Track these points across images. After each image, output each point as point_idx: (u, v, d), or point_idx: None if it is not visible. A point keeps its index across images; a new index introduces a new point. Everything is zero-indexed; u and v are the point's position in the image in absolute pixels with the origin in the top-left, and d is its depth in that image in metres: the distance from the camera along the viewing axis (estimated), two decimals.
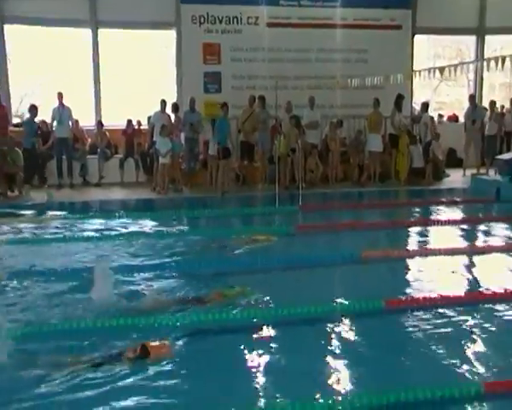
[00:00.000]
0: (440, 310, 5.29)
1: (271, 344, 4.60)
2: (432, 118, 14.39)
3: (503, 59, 10.21)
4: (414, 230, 9.13)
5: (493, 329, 4.95)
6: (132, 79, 14.98)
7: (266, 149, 13.04)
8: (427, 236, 8.74)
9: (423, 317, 5.16)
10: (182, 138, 13.24)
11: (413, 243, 8.46)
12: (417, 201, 11.65)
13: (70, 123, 13.20)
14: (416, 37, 16.00)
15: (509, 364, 4.30)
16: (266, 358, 4.36)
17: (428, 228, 9.13)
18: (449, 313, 5.24)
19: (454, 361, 4.29)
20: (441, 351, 4.47)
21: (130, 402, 3.68)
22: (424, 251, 7.63)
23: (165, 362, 4.22)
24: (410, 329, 4.96)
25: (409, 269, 6.97)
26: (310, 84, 14.44)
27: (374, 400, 3.67)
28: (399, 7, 15.50)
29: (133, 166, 13.58)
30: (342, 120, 14.03)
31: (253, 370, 4.18)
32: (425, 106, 14.00)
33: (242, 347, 4.53)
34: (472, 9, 16.11)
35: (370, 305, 5.31)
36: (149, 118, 13.34)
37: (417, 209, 10.83)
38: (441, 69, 10.72)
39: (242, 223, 10.06)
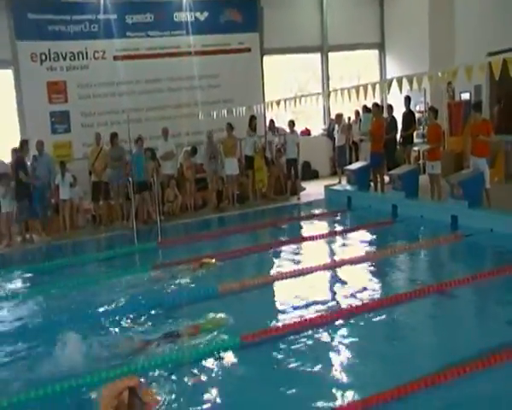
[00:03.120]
0: (299, 335, 5.36)
1: None
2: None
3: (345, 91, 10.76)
4: (274, 252, 9.05)
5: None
6: None
7: (121, 186, 12.65)
8: (285, 257, 8.69)
9: (281, 347, 5.21)
10: None
11: (272, 267, 8.29)
12: (277, 219, 11.72)
13: None
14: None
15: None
16: None
17: (287, 248, 9.17)
18: (303, 338, 5.32)
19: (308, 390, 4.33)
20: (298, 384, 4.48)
21: None
22: (281, 275, 7.56)
23: None
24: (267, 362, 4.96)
25: (268, 296, 6.95)
26: (163, 115, 14.33)
27: None
28: (247, 31, 15.88)
29: None
30: (196, 147, 14.00)
31: None
32: (292, 124, 14.12)
33: None
34: (315, 29, 16.91)
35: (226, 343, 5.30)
36: None
37: (277, 228, 10.92)
38: (292, 99, 11.19)
39: (101, 267, 9.51)
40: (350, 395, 4.20)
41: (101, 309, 6.75)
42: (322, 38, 16.99)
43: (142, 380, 4.56)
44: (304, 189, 14.18)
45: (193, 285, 7.46)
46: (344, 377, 4.55)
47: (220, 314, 6.12)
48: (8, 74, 14.00)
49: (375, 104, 12.79)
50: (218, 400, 4.40)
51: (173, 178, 13.10)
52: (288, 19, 16.18)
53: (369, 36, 17.30)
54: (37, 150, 12.42)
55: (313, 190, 13.99)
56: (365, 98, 10.73)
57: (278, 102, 11.48)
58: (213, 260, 8.39)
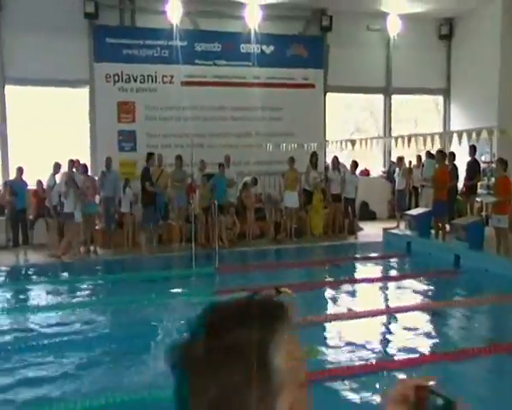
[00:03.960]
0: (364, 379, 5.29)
1: None
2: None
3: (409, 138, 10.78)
4: (332, 290, 9.09)
5: None
6: (43, 137, 14.41)
7: (183, 208, 12.88)
8: (345, 297, 8.70)
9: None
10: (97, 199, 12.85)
11: (333, 306, 8.34)
12: (335, 258, 11.70)
13: None
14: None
15: None
16: None
17: (345, 288, 9.13)
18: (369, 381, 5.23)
19: None
20: None
21: None
22: (345, 314, 7.57)
23: None
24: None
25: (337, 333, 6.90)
26: (225, 143, 14.57)
27: None
28: (312, 67, 16.09)
29: (44, 227, 12.90)
30: (256, 178, 14.14)
31: None
32: (355, 165, 14.21)
33: None
34: (380, 71, 16.99)
35: None
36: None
37: (335, 266, 10.86)
38: (352, 142, 11.23)
39: (160, 287, 9.66)
40: None
41: None
42: (386, 79, 17.03)
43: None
44: (361, 229, 14.09)
45: None
46: None
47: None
48: (84, 93, 14.64)
49: (440, 151, 12.66)
50: None
51: (233, 205, 13.21)
52: (354, 58, 16.28)
53: (435, 81, 17.23)
54: (106, 166, 12.85)
55: (370, 232, 13.89)
56: (432, 146, 10.74)
57: (341, 142, 11.55)
58: (290, 291, 8.32)
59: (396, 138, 11.37)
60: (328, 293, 8.93)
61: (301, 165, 13.97)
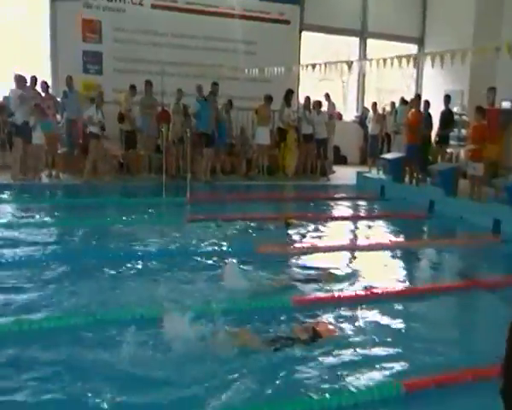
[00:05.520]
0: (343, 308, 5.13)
1: None
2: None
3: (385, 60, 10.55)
4: (305, 225, 8.84)
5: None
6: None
7: (152, 137, 12.28)
8: (317, 231, 8.51)
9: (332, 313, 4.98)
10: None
11: (304, 238, 8.08)
12: (307, 195, 11.54)
13: None
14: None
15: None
16: None
17: (318, 223, 8.90)
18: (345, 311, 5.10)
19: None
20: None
21: None
22: (317, 247, 7.40)
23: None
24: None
25: (310, 264, 6.65)
26: (196, 73, 13.87)
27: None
28: (288, 2, 15.50)
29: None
30: (231, 100, 13.53)
31: None
32: (319, 105, 13.93)
33: None
34: (356, 13, 16.56)
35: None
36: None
37: (307, 204, 10.73)
38: (327, 64, 10.86)
39: (130, 213, 9.20)
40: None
41: None
42: (362, 22, 16.66)
43: None
44: (334, 172, 13.91)
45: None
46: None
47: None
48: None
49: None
50: None
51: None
52: None
53: (410, 29, 17.00)
54: (67, 86, 12.03)
55: (342, 175, 13.74)
56: (407, 64, 10.49)
57: (314, 66, 11.17)
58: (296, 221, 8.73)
59: (370, 61, 10.99)
60: (301, 227, 8.69)
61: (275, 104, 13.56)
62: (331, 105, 14.51)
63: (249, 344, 4.19)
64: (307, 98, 13.97)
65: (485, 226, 8.97)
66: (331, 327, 4.65)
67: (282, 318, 4.81)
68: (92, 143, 11.42)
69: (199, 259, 6.51)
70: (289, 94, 13.57)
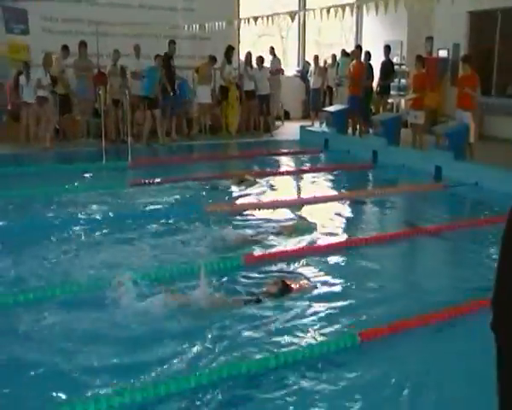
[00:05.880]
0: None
1: None
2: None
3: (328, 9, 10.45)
4: (253, 182, 8.74)
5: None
6: None
7: (89, 101, 11.77)
8: (264, 187, 8.41)
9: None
10: None
11: (252, 195, 7.98)
12: (251, 152, 11.40)
13: None
14: None
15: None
16: None
17: (264, 180, 8.81)
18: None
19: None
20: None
21: None
22: (272, 202, 7.41)
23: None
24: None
25: (260, 221, 6.61)
26: (134, 32, 13.28)
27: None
28: None
29: None
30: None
31: None
32: (261, 60, 13.72)
33: None
34: None
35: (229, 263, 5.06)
36: None
37: (252, 161, 10.57)
38: (269, 17, 10.67)
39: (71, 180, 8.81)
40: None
41: None
42: None
43: None
44: (277, 127, 13.81)
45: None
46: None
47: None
48: None
49: (358, 46, 12.51)
50: None
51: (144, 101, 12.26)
52: None
53: None
54: None
55: (285, 130, 13.67)
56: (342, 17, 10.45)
57: (256, 19, 11.00)
58: (252, 178, 8.55)
59: (313, 10, 10.88)
60: (250, 184, 8.54)
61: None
62: (276, 60, 14.29)
63: (216, 303, 4.18)
64: (248, 54, 13.72)
65: (427, 173, 9.16)
66: (303, 281, 4.68)
67: (236, 276, 4.78)
68: (24, 110, 10.85)
69: (144, 222, 6.33)
70: (230, 51, 13.26)
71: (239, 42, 15.12)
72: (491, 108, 12.82)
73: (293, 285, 4.49)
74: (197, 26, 12.64)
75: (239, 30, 14.67)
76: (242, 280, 4.73)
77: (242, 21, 12.24)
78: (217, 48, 13.23)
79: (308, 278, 4.79)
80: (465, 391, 3.23)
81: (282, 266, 5.07)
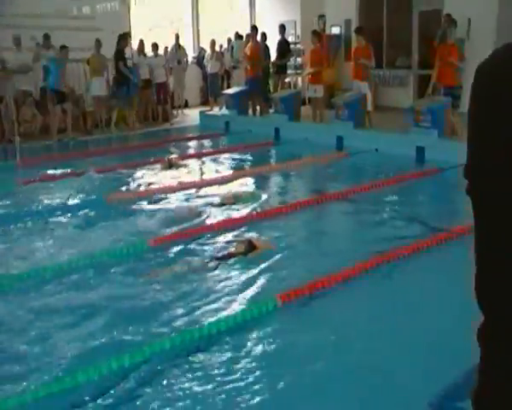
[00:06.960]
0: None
1: None
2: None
3: None
4: (155, 168, 8.53)
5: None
6: None
7: None
8: (168, 173, 8.21)
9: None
10: None
11: (156, 182, 7.76)
12: (152, 142, 10.92)
13: None
14: None
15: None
16: None
17: (168, 167, 8.52)
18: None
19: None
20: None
21: None
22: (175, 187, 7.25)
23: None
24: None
25: (162, 208, 6.37)
26: (13, 21, 12.28)
27: None
28: None
29: None
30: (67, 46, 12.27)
31: None
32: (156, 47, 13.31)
33: None
34: None
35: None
36: None
37: (156, 150, 10.08)
38: None
39: None
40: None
41: None
42: None
43: None
44: (176, 116, 13.43)
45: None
46: None
47: None
48: None
49: (254, 27, 12.41)
50: None
51: (31, 95, 11.44)
52: None
53: None
54: None
55: (185, 118, 13.37)
56: None
57: None
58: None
59: None
60: (151, 172, 8.39)
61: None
62: (182, 50, 13.83)
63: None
64: (141, 42, 13.23)
65: (329, 145, 9.24)
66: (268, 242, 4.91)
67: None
68: None
69: (38, 220, 5.92)
70: (122, 39, 12.64)
71: (130, 34, 14.51)
72: (383, 79, 13.32)
73: (259, 244, 4.71)
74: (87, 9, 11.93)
75: (130, 21, 14.09)
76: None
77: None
78: (108, 38, 12.55)
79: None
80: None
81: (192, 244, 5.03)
